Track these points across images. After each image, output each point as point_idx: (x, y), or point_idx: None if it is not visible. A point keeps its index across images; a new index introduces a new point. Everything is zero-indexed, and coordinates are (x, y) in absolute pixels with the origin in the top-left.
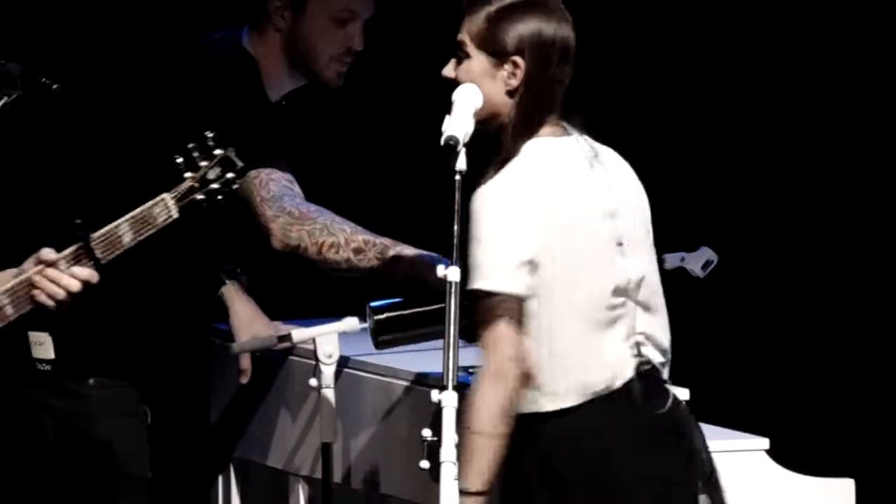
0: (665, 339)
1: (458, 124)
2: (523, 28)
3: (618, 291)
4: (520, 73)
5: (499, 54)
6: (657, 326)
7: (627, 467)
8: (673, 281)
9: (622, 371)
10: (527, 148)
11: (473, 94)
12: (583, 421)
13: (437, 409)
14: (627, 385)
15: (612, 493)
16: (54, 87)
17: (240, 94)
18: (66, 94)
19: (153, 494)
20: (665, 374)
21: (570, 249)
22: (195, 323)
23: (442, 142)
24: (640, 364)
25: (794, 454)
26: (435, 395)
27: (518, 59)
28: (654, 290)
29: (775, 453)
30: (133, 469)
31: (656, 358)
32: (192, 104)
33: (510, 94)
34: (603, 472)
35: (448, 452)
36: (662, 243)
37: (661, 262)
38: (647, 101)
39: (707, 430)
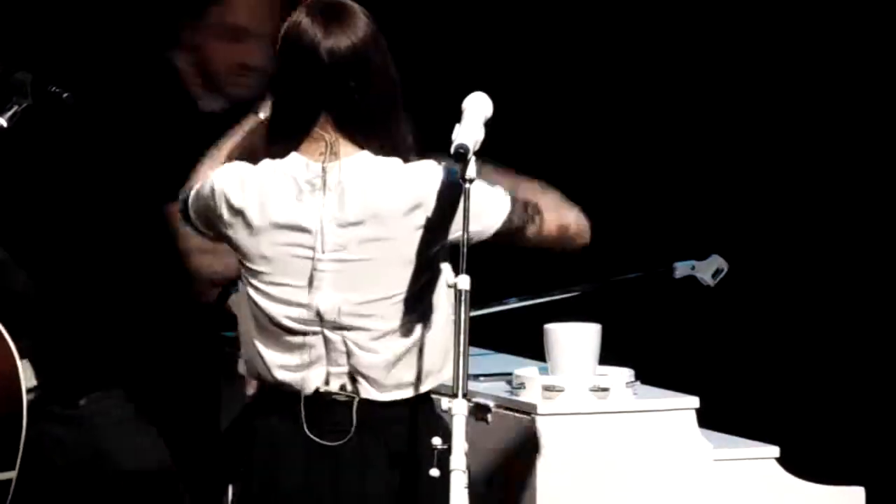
0: (384, 374)
1: (469, 132)
2: (283, 32)
3: (302, 322)
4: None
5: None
6: (369, 361)
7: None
8: (683, 290)
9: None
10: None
11: (483, 102)
12: (256, 410)
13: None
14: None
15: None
16: (65, 95)
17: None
18: (79, 103)
19: (166, 503)
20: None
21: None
22: (203, 331)
23: (452, 150)
24: (327, 394)
25: (804, 462)
26: (445, 402)
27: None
28: (373, 324)
29: (786, 461)
30: (140, 467)
31: (364, 392)
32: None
33: None
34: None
35: (458, 461)
36: (673, 252)
37: (671, 270)
38: (658, 110)
39: (718, 438)
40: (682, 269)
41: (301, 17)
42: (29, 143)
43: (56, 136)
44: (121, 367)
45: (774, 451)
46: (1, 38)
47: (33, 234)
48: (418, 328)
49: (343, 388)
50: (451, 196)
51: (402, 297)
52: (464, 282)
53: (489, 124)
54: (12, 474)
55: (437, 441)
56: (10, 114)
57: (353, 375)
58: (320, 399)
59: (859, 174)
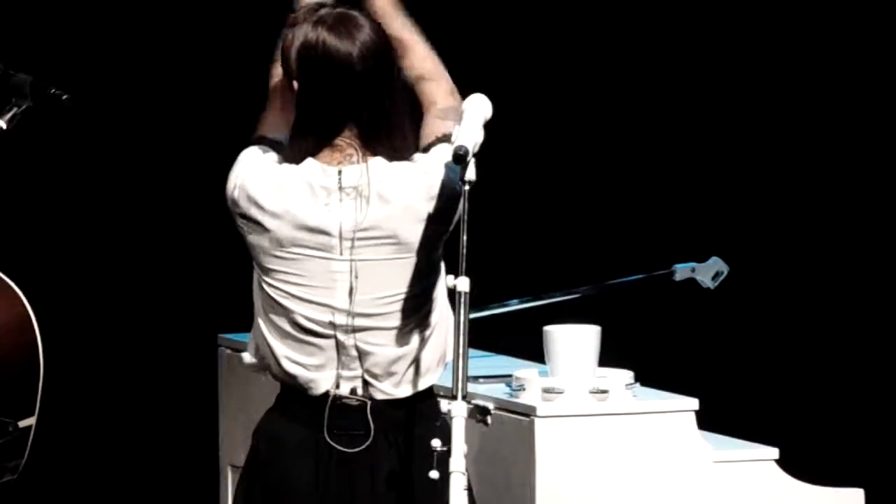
0: (396, 381)
1: (468, 134)
2: (298, 47)
3: (315, 323)
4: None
5: (290, 78)
6: (385, 358)
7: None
8: (683, 292)
9: (307, 389)
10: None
11: (483, 104)
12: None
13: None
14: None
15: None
16: (64, 97)
17: None
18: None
19: None
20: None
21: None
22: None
23: (451, 152)
24: (337, 397)
25: (804, 464)
26: (444, 405)
27: (295, 82)
28: (387, 324)
29: (785, 463)
30: None
31: (377, 394)
32: None
33: None
34: (269, 471)
35: (458, 462)
36: (673, 254)
37: (671, 273)
38: (658, 112)
39: (717, 440)
40: (682, 271)
41: (319, 33)
42: (28, 146)
43: (56, 138)
44: (121, 367)
45: (774, 452)
46: (1, 39)
47: (32, 234)
48: (428, 321)
49: (354, 391)
50: (452, 196)
51: (414, 294)
52: (463, 284)
53: (489, 126)
54: (32, 420)
55: (436, 443)
56: (9, 116)
57: (365, 379)
58: (332, 403)
59: (859, 176)
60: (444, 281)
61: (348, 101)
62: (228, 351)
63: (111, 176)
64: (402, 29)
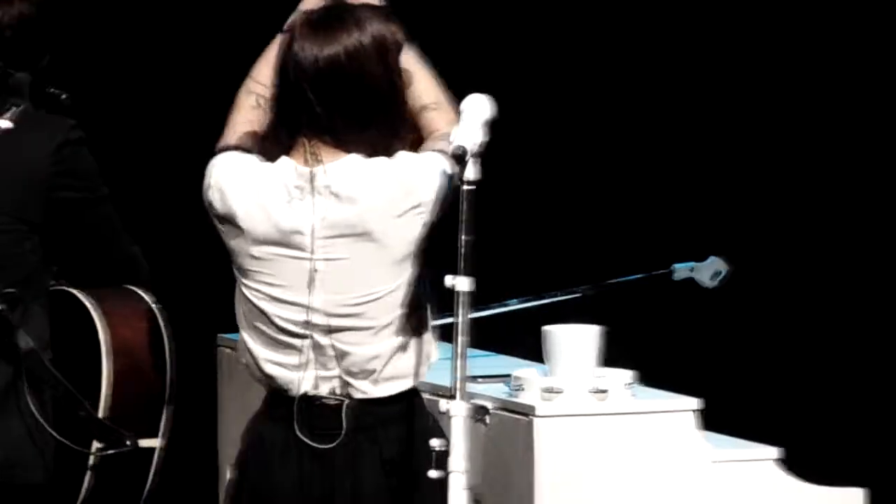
0: (375, 383)
1: (467, 134)
2: (280, 51)
3: (291, 323)
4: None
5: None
6: (362, 358)
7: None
8: (683, 292)
9: (285, 389)
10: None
11: (482, 103)
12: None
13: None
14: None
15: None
16: (63, 97)
17: None
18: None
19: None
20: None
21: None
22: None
23: (450, 151)
24: (316, 397)
25: (806, 464)
26: (444, 404)
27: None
28: (363, 323)
29: (787, 463)
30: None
31: (356, 394)
32: None
33: None
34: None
35: (457, 462)
36: (672, 254)
37: (670, 272)
38: (658, 111)
39: (719, 439)
40: (681, 270)
41: (303, 39)
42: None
43: None
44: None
45: (774, 452)
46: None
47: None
48: (408, 320)
49: (333, 391)
50: (446, 195)
51: (392, 293)
52: (462, 283)
53: (492, 125)
54: (155, 442)
55: (435, 443)
56: (8, 115)
57: (343, 379)
58: (310, 402)
59: (859, 174)
60: (427, 279)
61: (293, 102)
62: (228, 351)
63: (110, 175)
64: (409, 60)
